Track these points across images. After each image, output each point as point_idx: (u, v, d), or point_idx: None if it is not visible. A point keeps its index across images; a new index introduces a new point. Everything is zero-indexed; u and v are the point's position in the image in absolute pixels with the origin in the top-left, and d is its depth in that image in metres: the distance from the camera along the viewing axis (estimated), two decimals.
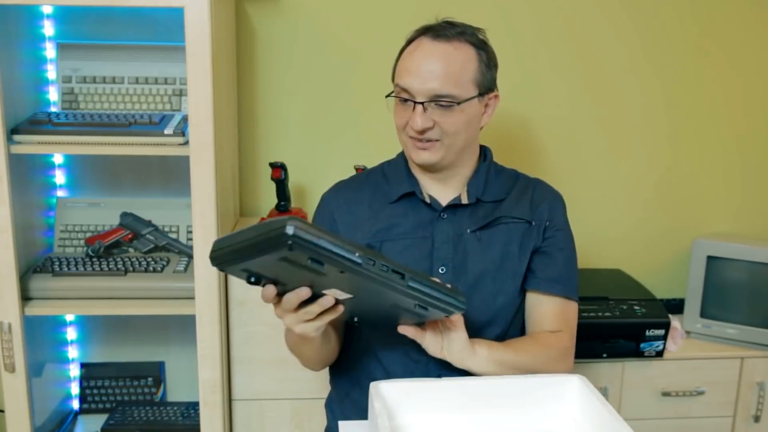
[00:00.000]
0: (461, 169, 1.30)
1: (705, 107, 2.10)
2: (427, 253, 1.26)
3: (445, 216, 1.28)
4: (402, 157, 1.36)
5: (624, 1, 2.01)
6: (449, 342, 1.15)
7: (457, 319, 1.13)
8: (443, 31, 1.22)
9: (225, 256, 0.91)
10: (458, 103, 1.20)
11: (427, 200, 1.29)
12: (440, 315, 1.08)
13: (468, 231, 1.27)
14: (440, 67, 1.19)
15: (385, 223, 1.28)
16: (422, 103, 1.19)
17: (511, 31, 1.99)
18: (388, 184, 1.33)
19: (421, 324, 1.15)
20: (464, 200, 1.29)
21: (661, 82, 2.07)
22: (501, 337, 1.30)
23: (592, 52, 2.03)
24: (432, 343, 1.15)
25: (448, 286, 1.07)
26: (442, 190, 1.30)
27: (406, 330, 1.12)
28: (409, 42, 1.26)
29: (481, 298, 1.26)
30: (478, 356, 1.17)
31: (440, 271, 1.26)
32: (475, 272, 1.26)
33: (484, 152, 1.35)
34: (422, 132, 1.21)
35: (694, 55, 2.06)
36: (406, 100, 1.22)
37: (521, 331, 1.36)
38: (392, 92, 1.26)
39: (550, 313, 1.29)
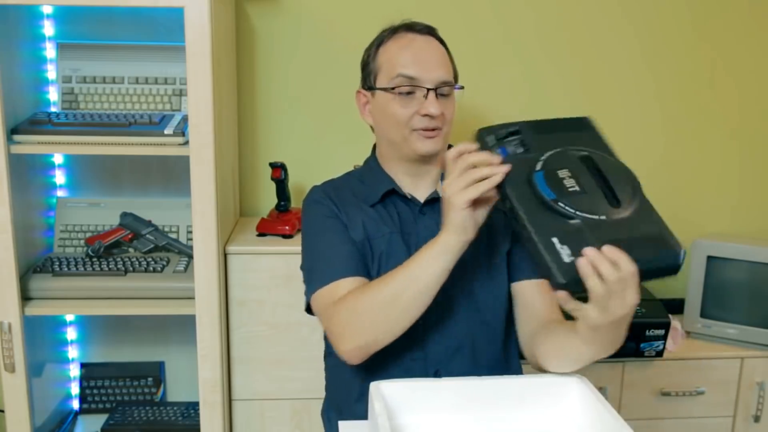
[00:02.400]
0: (439, 161, 1.31)
1: (704, 107, 2.10)
2: (413, 249, 1.26)
3: (425, 212, 1.29)
4: (373, 161, 1.36)
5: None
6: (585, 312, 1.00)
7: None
8: (416, 26, 1.28)
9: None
10: (461, 88, 1.25)
11: (409, 196, 1.30)
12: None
13: None
14: (439, 56, 1.25)
15: (370, 224, 1.28)
16: (435, 89, 1.22)
17: (508, 29, 1.99)
18: (367, 187, 1.33)
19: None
20: (441, 193, 1.29)
21: (660, 82, 2.07)
22: (502, 334, 1.30)
23: (589, 53, 2.03)
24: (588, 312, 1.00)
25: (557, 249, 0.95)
26: (419, 187, 1.32)
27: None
28: (383, 41, 1.29)
29: (468, 289, 1.27)
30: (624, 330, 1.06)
31: None
32: (463, 265, 1.26)
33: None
34: (435, 118, 1.22)
35: (692, 56, 2.06)
36: (409, 93, 1.23)
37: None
38: (388, 88, 1.26)
39: (550, 299, 1.26)
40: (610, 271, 0.92)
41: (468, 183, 1.03)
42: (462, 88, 1.28)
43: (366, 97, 1.32)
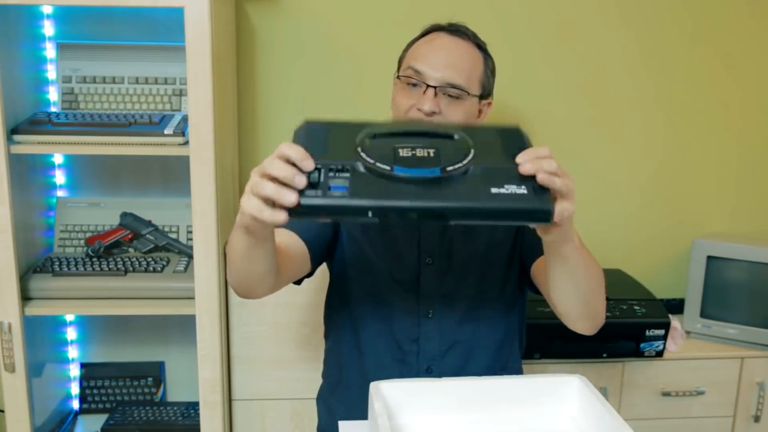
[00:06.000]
0: None
1: (703, 107, 2.10)
2: (415, 243, 1.28)
3: None
4: None
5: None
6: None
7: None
8: (458, 30, 1.28)
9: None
10: (468, 93, 1.23)
11: None
12: None
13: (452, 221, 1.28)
14: (457, 59, 1.24)
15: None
16: (435, 87, 1.21)
17: (505, 26, 1.99)
18: None
19: None
20: None
21: (659, 84, 2.07)
22: (496, 331, 1.30)
23: (587, 53, 2.03)
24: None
25: (517, 192, 0.87)
26: None
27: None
28: (424, 34, 1.30)
29: (469, 286, 1.28)
30: (575, 239, 1.04)
31: (427, 261, 1.27)
32: (460, 261, 1.28)
33: None
34: (428, 116, 1.21)
35: (691, 56, 2.06)
36: (415, 84, 1.23)
37: (518, 327, 1.36)
38: (399, 76, 1.28)
39: None
40: (552, 165, 0.88)
41: (261, 195, 0.91)
42: (473, 96, 1.24)
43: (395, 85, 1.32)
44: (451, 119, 1.23)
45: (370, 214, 0.85)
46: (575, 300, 1.12)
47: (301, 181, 0.87)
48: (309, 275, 1.32)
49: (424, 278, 1.27)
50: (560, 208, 0.89)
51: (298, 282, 1.31)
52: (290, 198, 0.86)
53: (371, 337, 1.29)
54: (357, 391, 1.22)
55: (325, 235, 1.29)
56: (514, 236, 1.30)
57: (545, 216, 0.88)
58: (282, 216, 0.88)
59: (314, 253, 1.26)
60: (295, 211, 0.87)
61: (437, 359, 1.27)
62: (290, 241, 1.20)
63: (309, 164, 0.88)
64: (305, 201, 0.86)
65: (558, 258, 1.05)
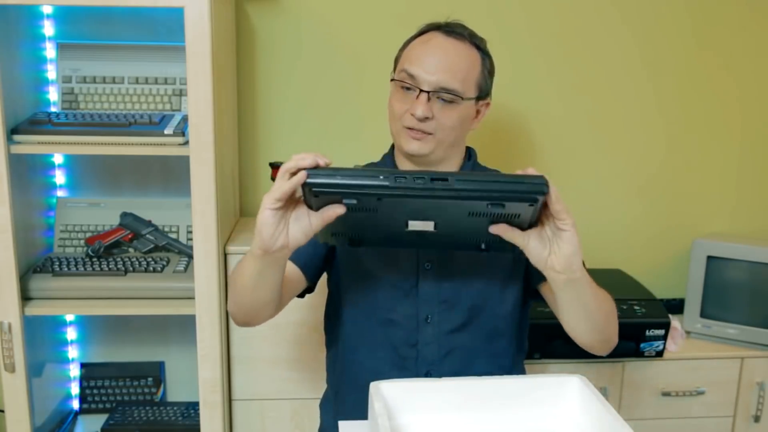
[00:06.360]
0: (447, 166, 1.30)
1: (704, 108, 2.10)
2: (414, 249, 1.27)
3: None
4: (388, 158, 1.36)
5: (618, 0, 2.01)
6: (559, 246, 1.01)
7: (568, 221, 1.00)
8: (456, 29, 1.26)
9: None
10: (462, 98, 1.22)
11: None
12: (525, 207, 0.98)
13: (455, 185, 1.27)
14: (451, 62, 1.22)
15: None
16: (428, 92, 1.20)
17: (504, 27, 1.99)
18: None
19: (524, 228, 1.03)
20: None
21: (660, 83, 2.07)
22: (495, 337, 1.30)
23: (587, 53, 2.03)
24: (537, 248, 1.03)
25: (517, 172, 0.99)
26: None
27: (497, 229, 1.02)
28: (420, 33, 1.28)
29: (468, 293, 1.27)
30: (584, 272, 1.07)
31: (426, 266, 1.27)
32: (459, 268, 1.27)
33: (469, 153, 1.36)
34: (422, 121, 1.21)
35: (691, 57, 2.06)
36: (409, 88, 1.22)
37: (519, 332, 1.36)
38: (394, 79, 1.26)
39: None
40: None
41: (284, 170, 0.98)
42: (469, 100, 1.24)
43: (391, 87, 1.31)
44: (444, 123, 1.22)
45: (381, 177, 0.95)
46: (588, 329, 1.16)
47: (323, 160, 0.97)
48: (310, 290, 1.34)
49: (423, 283, 1.27)
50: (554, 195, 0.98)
51: (301, 295, 1.32)
52: (309, 160, 0.96)
53: (370, 342, 1.29)
54: (357, 396, 1.22)
55: (319, 253, 1.30)
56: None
57: (540, 187, 0.96)
58: (301, 175, 0.95)
59: (310, 273, 1.29)
60: (315, 185, 0.95)
61: (436, 364, 1.27)
62: (287, 270, 1.21)
63: (326, 159, 0.97)
64: (323, 169, 0.96)
65: (567, 294, 1.08)
